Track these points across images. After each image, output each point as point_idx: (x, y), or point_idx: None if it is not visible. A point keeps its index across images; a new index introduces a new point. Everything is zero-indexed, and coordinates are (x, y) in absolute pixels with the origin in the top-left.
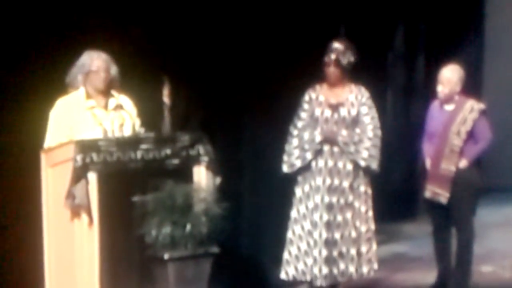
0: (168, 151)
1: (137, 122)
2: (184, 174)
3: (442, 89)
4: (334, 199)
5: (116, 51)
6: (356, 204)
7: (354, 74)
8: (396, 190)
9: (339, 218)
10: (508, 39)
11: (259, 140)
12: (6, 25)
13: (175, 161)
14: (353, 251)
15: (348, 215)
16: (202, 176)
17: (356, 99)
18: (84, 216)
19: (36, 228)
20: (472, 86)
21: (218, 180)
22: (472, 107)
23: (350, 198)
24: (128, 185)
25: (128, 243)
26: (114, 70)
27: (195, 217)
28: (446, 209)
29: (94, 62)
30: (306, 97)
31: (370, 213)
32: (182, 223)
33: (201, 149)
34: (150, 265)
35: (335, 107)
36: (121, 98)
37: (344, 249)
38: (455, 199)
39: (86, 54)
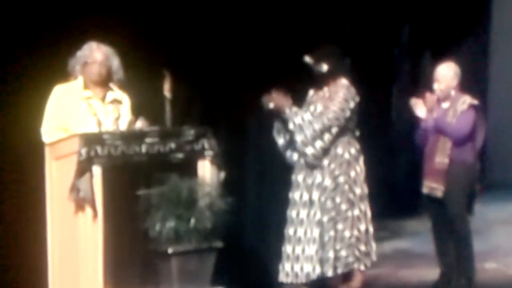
0: (172, 145)
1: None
2: (188, 168)
3: (438, 86)
4: (315, 196)
5: (118, 45)
6: (338, 200)
7: (360, 71)
8: (400, 186)
9: (303, 215)
10: None
11: (264, 134)
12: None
13: (180, 155)
14: (311, 251)
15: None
16: (207, 171)
17: (334, 94)
18: (88, 210)
19: (40, 221)
20: (478, 83)
21: (222, 174)
22: (464, 101)
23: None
24: (132, 179)
25: (132, 236)
26: (115, 63)
27: (199, 212)
28: (443, 205)
29: (92, 54)
30: (309, 94)
31: (356, 213)
32: (186, 217)
33: (205, 143)
34: (154, 259)
35: (315, 104)
36: (118, 93)
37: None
38: (449, 194)
39: (87, 45)
